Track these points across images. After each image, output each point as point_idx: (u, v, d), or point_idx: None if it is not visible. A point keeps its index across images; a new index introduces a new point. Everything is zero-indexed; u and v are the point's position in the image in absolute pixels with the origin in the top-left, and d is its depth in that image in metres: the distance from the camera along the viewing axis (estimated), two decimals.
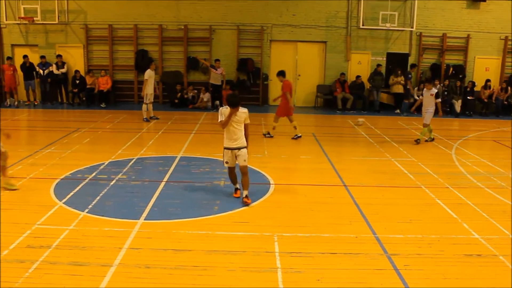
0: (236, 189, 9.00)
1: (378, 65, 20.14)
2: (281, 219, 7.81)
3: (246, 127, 8.73)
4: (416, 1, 19.97)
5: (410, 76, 20.21)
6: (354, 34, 20.59)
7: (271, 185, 9.62)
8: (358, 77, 20.15)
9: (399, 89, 19.74)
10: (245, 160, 8.59)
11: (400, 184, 9.82)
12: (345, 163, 11.44)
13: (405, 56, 20.86)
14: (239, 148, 8.59)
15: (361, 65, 20.77)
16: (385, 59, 20.80)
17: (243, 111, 8.56)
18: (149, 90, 16.50)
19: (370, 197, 8.96)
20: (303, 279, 5.83)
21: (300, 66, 21.13)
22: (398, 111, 19.93)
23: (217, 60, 19.64)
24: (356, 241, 6.96)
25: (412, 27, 20.24)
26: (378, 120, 18.01)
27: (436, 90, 13.82)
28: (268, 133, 14.60)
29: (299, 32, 20.72)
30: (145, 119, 16.75)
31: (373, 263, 6.24)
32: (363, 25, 20.22)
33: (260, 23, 20.60)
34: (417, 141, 13.68)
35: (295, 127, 14.19)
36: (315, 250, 6.62)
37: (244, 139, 8.71)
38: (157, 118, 17.11)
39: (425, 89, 13.86)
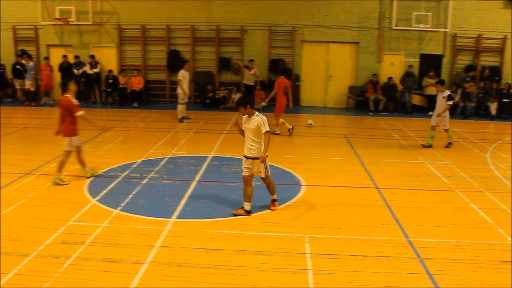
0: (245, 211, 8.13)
1: (410, 66, 19.90)
2: (312, 220, 7.79)
3: (264, 135, 7.77)
4: (451, 2, 19.64)
5: (468, 79, 19.70)
6: (387, 35, 20.36)
7: (302, 186, 9.60)
8: (390, 78, 19.94)
9: (432, 90, 19.42)
10: (260, 172, 7.95)
11: (433, 187, 9.68)
12: (377, 165, 11.34)
13: (439, 57, 20.54)
14: (251, 158, 7.91)
15: (393, 66, 20.53)
16: (418, 60, 20.51)
17: (254, 119, 7.81)
18: (181, 90, 16.58)
19: (403, 199, 8.87)
20: (334, 281, 5.81)
21: (331, 67, 21.01)
22: (431, 113, 19.62)
23: (251, 60, 19.67)
24: (388, 244, 6.90)
25: (447, 28, 19.91)
26: (411, 122, 17.79)
27: (449, 92, 13.32)
28: (275, 132, 14.56)
29: (331, 33, 20.60)
30: (179, 120, 16.83)
31: (405, 267, 6.17)
32: (396, 26, 19.99)
33: (292, 23, 20.55)
34: (449, 145, 13.41)
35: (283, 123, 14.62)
36: (347, 252, 6.58)
37: (259, 149, 7.86)
38: (188, 118, 17.17)
39: (438, 91, 13.45)
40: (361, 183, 9.86)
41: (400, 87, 20.19)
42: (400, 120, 17.89)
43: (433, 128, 13.36)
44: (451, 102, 13.11)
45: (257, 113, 7.89)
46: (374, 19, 20.24)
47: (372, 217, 7.99)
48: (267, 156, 7.78)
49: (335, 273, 5.99)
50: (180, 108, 16.79)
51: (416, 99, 20.29)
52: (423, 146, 13.37)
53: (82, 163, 9.98)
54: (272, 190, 8.29)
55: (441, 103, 13.11)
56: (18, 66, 20.76)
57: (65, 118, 9.78)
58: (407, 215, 8.02)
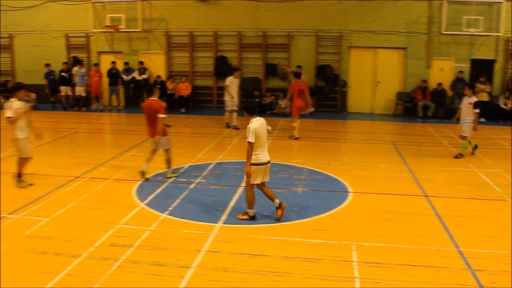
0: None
1: (460, 72, 19.42)
2: (359, 228, 7.69)
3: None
4: (504, 4, 19.05)
5: None
6: (436, 40, 19.96)
7: (349, 193, 9.50)
8: (439, 84, 19.54)
9: (483, 97, 18.88)
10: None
11: (485, 196, 9.42)
12: (426, 173, 11.11)
13: (491, 62, 19.98)
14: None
15: (443, 72, 20.10)
16: (469, 65, 20.01)
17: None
18: (227, 97, 16.59)
19: (453, 208, 8.65)
20: None
21: (379, 72, 20.75)
22: (483, 119, 19.12)
23: (299, 66, 19.62)
24: (437, 254, 6.73)
25: (499, 32, 19.36)
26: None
27: (476, 99, 12.57)
28: (293, 136, 14.98)
29: (378, 38, 20.35)
30: (226, 125, 16.85)
31: (456, 278, 6.00)
32: (445, 31, 19.57)
33: (339, 29, 20.42)
34: (458, 156, 12.61)
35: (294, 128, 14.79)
36: (394, 261, 6.46)
37: (254, 156, 7.80)
38: (236, 128, 16.57)
39: (465, 96, 12.87)
40: (410, 191, 9.68)
41: (450, 93, 19.75)
42: (450, 127, 17.44)
43: (462, 138, 12.72)
44: (478, 110, 12.34)
45: (252, 119, 7.84)
46: (423, 23, 19.88)
47: (421, 226, 7.82)
48: (250, 168, 7.68)
49: (382, 282, 5.88)
50: (227, 115, 16.83)
51: None
52: (456, 157, 12.61)
53: (149, 160, 10.42)
54: (248, 204, 8.01)
55: (466, 109, 12.49)
56: (63, 74, 21.35)
57: (153, 119, 10.18)
58: (457, 225, 7.82)
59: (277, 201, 8.05)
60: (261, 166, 7.82)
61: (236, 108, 16.53)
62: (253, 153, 7.70)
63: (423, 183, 10.19)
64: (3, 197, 9.07)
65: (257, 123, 7.82)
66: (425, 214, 8.38)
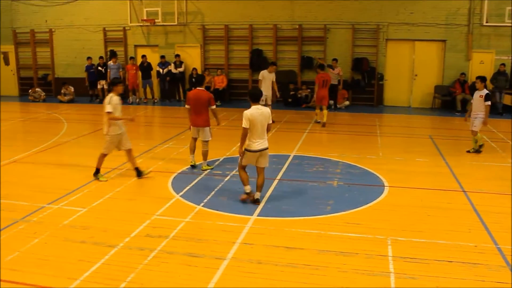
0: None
1: (502, 65, 18.91)
2: (395, 222, 7.60)
3: None
4: None
5: None
6: (477, 32, 19.50)
7: (385, 187, 9.39)
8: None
9: None
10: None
11: None
12: (465, 168, 10.91)
13: None
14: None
15: (483, 65, 19.64)
16: (511, 58, 19.49)
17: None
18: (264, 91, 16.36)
19: (492, 204, 8.46)
20: (417, 286, 5.63)
21: (417, 65, 20.41)
22: None
23: (334, 59, 19.47)
24: (475, 250, 6.61)
25: None
26: (501, 124, 16.95)
27: (487, 91, 11.98)
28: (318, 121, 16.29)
29: (416, 31, 20.00)
30: None
31: (494, 276, 5.88)
32: (486, 22, 19.09)
33: (376, 21, 20.15)
34: (476, 150, 12.22)
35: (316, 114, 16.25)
36: (431, 257, 6.36)
37: (247, 143, 8.37)
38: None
39: (476, 90, 12.31)
40: (447, 186, 9.51)
41: (490, 86, 19.28)
42: (490, 121, 16.96)
43: (473, 133, 12.21)
44: (489, 103, 11.90)
45: (252, 107, 8.23)
46: (463, 15, 19.43)
47: (458, 221, 7.68)
48: (243, 152, 8.35)
49: (418, 277, 5.80)
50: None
51: (508, 99, 19.32)
52: (468, 151, 12.28)
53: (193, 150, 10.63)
54: (242, 182, 8.54)
55: (477, 103, 11.99)
56: (100, 68, 21.67)
57: (202, 109, 10.30)
58: (496, 221, 7.64)
59: (248, 187, 8.45)
60: (253, 153, 8.25)
61: (269, 102, 16.47)
62: (248, 139, 8.22)
63: (461, 178, 10.00)
64: (43, 187, 9.30)
65: (254, 111, 8.15)
66: (463, 209, 8.22)
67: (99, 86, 21.80)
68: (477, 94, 12.09)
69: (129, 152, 9.98)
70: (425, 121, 17.76)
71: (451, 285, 5.63)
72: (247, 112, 8.10)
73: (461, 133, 15.13)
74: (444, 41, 19.90)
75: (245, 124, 8.11)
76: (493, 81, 18.94)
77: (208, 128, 10.46)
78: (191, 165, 10.67)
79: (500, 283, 5.69)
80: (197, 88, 10.46)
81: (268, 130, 8.46)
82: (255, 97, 8.32)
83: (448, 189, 9.31)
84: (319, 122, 16.15)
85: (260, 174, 8.50)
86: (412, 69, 20.49)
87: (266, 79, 16.23)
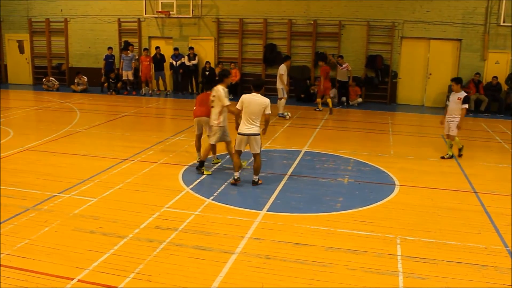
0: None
1: None
2: (405, 221, 7.57)
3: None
4: None
5: None
6: (493, 31, 19.30)
7: (396, 186, 9.35)
8: (494, 77, 18.93)
9: None
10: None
11: None
12: (476, 169, 10.83)
13: None
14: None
15: (499, 65, 19.45)
16: None
17: None
18: (282, 84, 16.42)
19: (503, 206, 8.38)
20: (425, 286, 5.61)
21: (431, 64, 20.26)
22: None
23: (340, 56, 19.35)
24: (485, 252, 6.56)
25: None
26: None
27: (466, 94, 11.39)
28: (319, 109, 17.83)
29: (432, 29, 19.84)
30: (279, 115, 16.66)
31: (503, 278, 5.83)
32: (504, 22, 18.89)
33: (392, 19, 20.02)
34: (459, 155, 11.73)
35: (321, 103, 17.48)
36: (440, 257, 6.33)
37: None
38: (283, 116, 16.67)
39: (452, 92, 11.70)
40: (458, 187, 9.45)
41: (505, 87, 19.13)
42: (503, 122, 16.97)
43: (450, 137, 11.62)
44: (466, 106, 11.27)
45: (252, 93, 8.98)
46: (480, 14, 19.24)
47: (468, 222, 7.63)
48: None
49: (427, 278, 5.77)
50: (283, 103, 16.65)
51: None
52: (442, 157, 11.62)
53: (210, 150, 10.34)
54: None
55: (454, 105, 11.40)
56: (110, 60, 21.73)
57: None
58: (507, 223, 7.58)
59: (237, 174, 9.05)
60: (241, 136, 8.90)
61: (285, 96, 16.52)
62: (240, 122, 8.98)
63: (472, 179, 9.93)
64: (54, 176, 9.36)
65: (250, 96, 8.86)
66: (474, 210, 8.17)
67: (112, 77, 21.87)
68: (454, 96, 11.47)
69: (228, 144, 10.04)
70: (437, 121, 17.55)
71: (460, 286, 5.60)
72: (244, 96, 8.93)
73: (473, 133, 15.04)
74: (459, 40, 19.73)
75: (238, 105, 8.95)
76: (508, 82, 18.77)
77: None
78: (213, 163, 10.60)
79: (509, 286, 5.65)
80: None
81: (265, 121, 9.12)
82: (257, 86, 8.99)
83: (459, 190, 9.25)
84: (320, 110, 17.81)
85: (256, 159, 9.04)
86: (426, 68, 20.34)
87: (286, 73, 16.47)
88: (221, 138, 9.91)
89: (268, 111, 8.91)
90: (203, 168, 9.87)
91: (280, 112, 16.68)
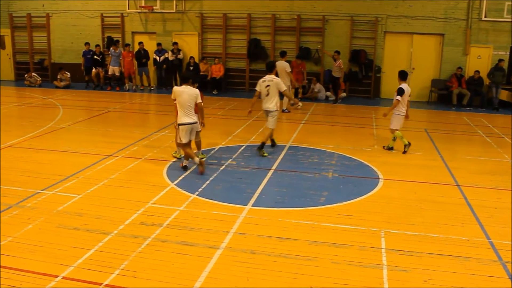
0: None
1: (500, 60, 18.81)
2: (388, 215, 7.63)
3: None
4: None
5: None
6: (475, 26, 19.47)
7: (379, 179, 9.42)
8: (476, 72, 19.10)
9: None
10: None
11: None
12: (459, 162, 10.94)
13: None
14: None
15: (480, 60, 19.64)
16: (509, 54, 19.47)
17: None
18: (286, 81, 16.25)
19: (485, 199, 8.49)
20: (409, 278, 5.66)
21: (414, 59, 20.40)
22: None
23: (336, 51, 19.27)
24: (467, 244, 6.64)
25: None
26: (497, 119, 17.01)
27: (400, 86, 11.59)
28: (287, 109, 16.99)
29: (415, 24, 19.98)
30: (283, 110, 16.63)
31: (485, 269, 5.91)
32: (485, 17, 19.08)
33: (375, 14, 20.11)
34: (389, 148, 11.85)
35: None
36: (423, 250, 6.40)
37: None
38: (286, 111, 16.87)
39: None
40: (441, 180, 9.55)
41: (487, 81, 19.31)
42: (485, 116, 17.15)
43: (392, 131, 11.76)
44: (398, 97, 11.49)
45: (183, 85, 9.63)
46: (462, 9, 19.40)
47: (451, 215, 7.71)
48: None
49: (410, 270, 5.83)
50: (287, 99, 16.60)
51: (504, 95, 19.34)
52: (384, 147, 11.95)
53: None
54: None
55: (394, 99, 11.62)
56: (96, 57, 21.56)
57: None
58: (489, 215, 7.69)
59: (196, 159, 9.52)
60: (185, 125, 9.45)
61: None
62: (178, 115, 9.51)
63: (455, 172, 10.04)
64: (37, 173, 9.29)
65: (182, 88, 9.49)
66: (456, 203, 8.26)
67: (94, 71, 21.64)
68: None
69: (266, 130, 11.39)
70: (421, 115, 17.76)
71: (443, 278, 5.67)
72: (175, 87, 9.63)
73: (456, 127, 15.19)
74: (442, 35, 19.90)
75: (171, 96, 9.63)
76: (490, 76, 18.96)
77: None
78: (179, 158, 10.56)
79: (491, 277, 5.73)
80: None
81: (199, 109, 9.79)
82: (185, 79, 9.72)
83: (442, 183, 9.35)
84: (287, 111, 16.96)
85: (198, 146, 10.27)
86: (409, 62, 20.48)
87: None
88: (274, 124, 11.19)
89: (199, 100, 9.62)
90: (263, 150, 10.89)
91: (285, 108, 16.78)
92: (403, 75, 11.70)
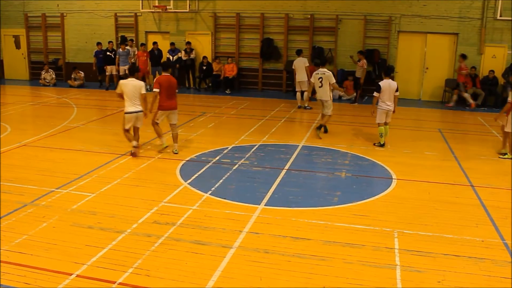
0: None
1: None
2: (402, 215, 7.60)
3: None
4: None
5: None
6: (490, 25, 19.28)
7: (393, 179, 9.37)
8: (491, 71, 18.93)
9: None
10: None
11: None
12: (473, 162, 10.85)
13: None
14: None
15: (495, 59, 19.45)
16: None
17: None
18: (304, 77, 16.92)
19: (500, 200, 8.42)
20: (423, 279, 5.64)
21: (428, 58, 20.24)
22: None
23: (359, 52, 19.09)
24: (482, 245, 6.59)
25: None
26: None
27: (379, 83, 11.72)
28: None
29: (429, 23, 19.82)
30: (298, 107, 17.38)
31: (500, 271, 5.87)
32: (500, 16, 18.89)
33: (389, 13, 19.99)
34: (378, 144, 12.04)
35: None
36: (437, 250, 6.36)
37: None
38: (307, 108, 17.33)
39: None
40: (455, 180, 9.48)
41: (501, 81, 19.14)
42: (497, 116, 16.94)
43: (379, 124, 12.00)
44: (375, 94, 11.77)
45: (128, 79, 10.61)
46: (477, 8, 19.22)
47: (465, 216, 7.66)
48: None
49: (424, 271, 5.80)
50: (299, 95, 17.40)
51: None
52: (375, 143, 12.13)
53: (161, 134, 11.16)
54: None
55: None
56: (108, 53, 21.64)
57: (173, 93, 10.97)
58: (504, 216, 7.62)
59: (134, 142, 10.53)
60: (130, 114, 10.43)
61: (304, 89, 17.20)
62: (125, 105, 10.45)
63: (469, 173, 9.96)
64: (52, 172, 9.36)
65: (127, 81, 10.43)
66: (471, 204, 8.20)
67: (106, 73, 21.70)
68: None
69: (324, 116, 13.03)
70: (434, 115, 17.67)
71: (457, 279, 5.63)
72: (121, 80, 10.59)
73: (470, 127, 15.08)
74: (456, 34, 19.73)
75: (117, 89, 10.53)
76: (505, 76, 18.77)
77: (176, 111, 11.09)
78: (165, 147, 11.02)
79: (506, 279, 5.69)
80: (165, 74, 10.96)
81: (143, 99, 10.57)
82: (130, 73, 10.88)
83: (456, 183, 9.29)
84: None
85: (136, 132, 10.70)
86: (423, 62, 20.34)
87: (299, 67, 17.08)
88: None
89: (143, 91, 10.47)
90: (320, 131, 12.61)
91: (306, 105, 17.25)
92: (386, 71, 12.02)
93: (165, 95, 10.71)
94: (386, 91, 11.67)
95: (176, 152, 10.84)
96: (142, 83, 10.58)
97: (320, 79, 12.74)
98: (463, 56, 18.52)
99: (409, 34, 20.17)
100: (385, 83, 11.67)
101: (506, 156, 11.25)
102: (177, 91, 11.10)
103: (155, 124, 10.89)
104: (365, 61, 18.89)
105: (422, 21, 19.79)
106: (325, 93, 12.78)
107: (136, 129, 10.74)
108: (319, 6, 20.56)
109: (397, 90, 11.81)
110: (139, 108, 10.51)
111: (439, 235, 6.85)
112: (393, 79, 11.98)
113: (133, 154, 10.51)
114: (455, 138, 13.32)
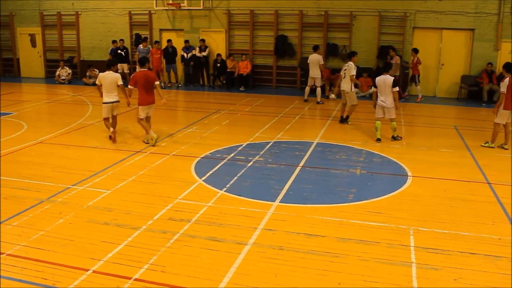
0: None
1: None
2: (418, 212, 7.55)
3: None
4: None
5: None
6: (507, 21, 19.05)
7: (408, 177, 9.32)
8: None
9: None
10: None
11: None
12: (490, 159, 10.75)
13: None
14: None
15: None
16: None
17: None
18: (317, 73, 17.49)
19: None
20: (438, 276, 5.60)
21: (444, 55, 20.08)
22: None
23: (391, 48, 18.97)
24: (499, 243, 6.53)
25: None
26: None
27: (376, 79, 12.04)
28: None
29: (444, 19, 19.65)
30: (305, 100, 18.00)
31: None
32: None
33: (403, 9, 19.85)
34: (397, 138, 12.30)
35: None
36: (453, 248, 6.32)
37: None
38: (319, 103, 17.77)
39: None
40: (471, 177, 9.41)
41: None
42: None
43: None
44: (373, 89, 12.48)
45: (106, 71, 11.49)
46: (493, 3, 18.99)
47: (482, 213, 7.60)
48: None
49: (440, 268, 5.77)
50: (307, 90, 17.94)
51: None
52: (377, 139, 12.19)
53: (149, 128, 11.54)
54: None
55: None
56: (119, 51, 21.72)
57: (151, 88, 11.51)
58: None
59: (111, 129, 11.48)
60: (107, 104, 11.39)
61: (318, 84, 17.71)
62: (103, 95, 11.42)
63: (486, 170, 9.88)
64: (68, 168, 9.44)
65: (105, 74, 11.32)
66: (487, 201, 8.13)
67: (118, 71, 21.69)
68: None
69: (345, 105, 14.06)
70: (450, 111, 17.53)
71: (473, 277, 5.60)
72: (100, 73, 11.42)
73: (486, 124, 14.91)
74: (472, 30, 19.54)
75: (97, 81, 11.46)
76: None
77: (153, 105, 11.71)
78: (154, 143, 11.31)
79: None
80: (142, 69, 11.50)
81: (121, 89, 11.39)
82: (107, 66, 11.52)
83: (472, 181, 9.21)
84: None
85: (113, 120, 11.65)
86: (438, 58, 20.18)
87: (313, 63, 17.54)
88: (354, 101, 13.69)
89: (120, 82, 11.33)
90: (347, 122, 13.76)
91: (319, 100, 17.71)
92: (385, 67, 12.31)
93: (143, 91, 11.26)
94: (381, 87, 11.92)
95: (147, 142, 11.43)
96: (118, 75, 11.48)
97: (345, 70, 13.85)
98: (415, 50, 18.89)
99: (424, 30, 20.01)
100: (380, 79, 11.91)
101: (487, 144, 11.72)
102: (158, 83, 11.65)
103: (140, 120, 11.36)
104: (398, 57, 18.80)
105: (437, 17, 19.62)
106: (346, 84, 13.80)
107: (114, 117, 11.69)
108: (333, 3, 20.47)
109: (394, 86, 11.76)
110: (115, 98, 11.46)
111: (455, 233, 6.81)
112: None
113: (113, 140, 11.50)
114: (471, 135, 13.20)
